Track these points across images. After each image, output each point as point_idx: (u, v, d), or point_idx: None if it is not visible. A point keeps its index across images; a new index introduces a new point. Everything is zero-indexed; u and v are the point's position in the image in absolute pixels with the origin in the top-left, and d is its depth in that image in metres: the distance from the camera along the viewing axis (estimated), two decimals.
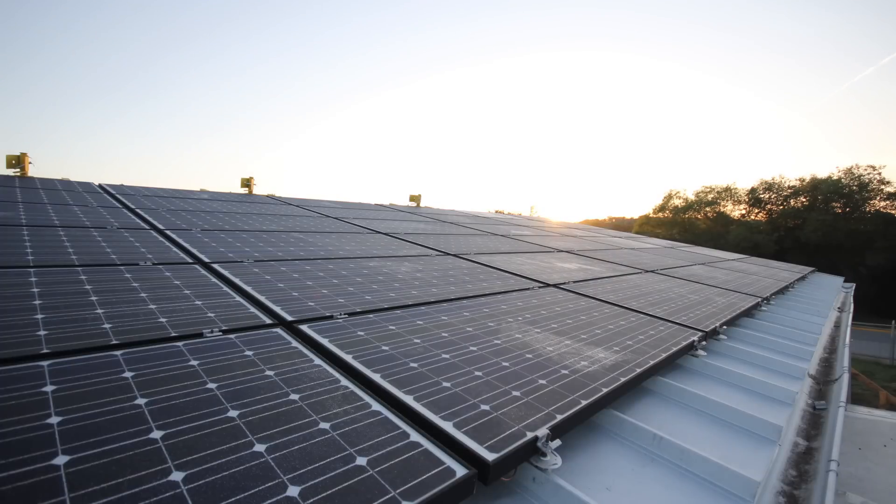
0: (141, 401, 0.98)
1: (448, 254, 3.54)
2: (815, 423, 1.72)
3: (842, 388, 1.99)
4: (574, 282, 3.07)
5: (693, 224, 35.96)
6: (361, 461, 0.88)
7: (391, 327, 1.66)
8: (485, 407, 1.17)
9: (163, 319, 1.44)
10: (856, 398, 7.92)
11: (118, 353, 1.18)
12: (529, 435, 1.07)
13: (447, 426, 1.05)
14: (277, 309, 1.69)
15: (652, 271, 4.13)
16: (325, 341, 1.45)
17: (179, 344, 1.28)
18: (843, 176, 30.82)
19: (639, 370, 1.58)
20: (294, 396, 1.08)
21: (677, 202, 38.64)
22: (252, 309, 1.65)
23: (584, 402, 1.27)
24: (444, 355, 1.47)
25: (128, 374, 1.07)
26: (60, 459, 0.77)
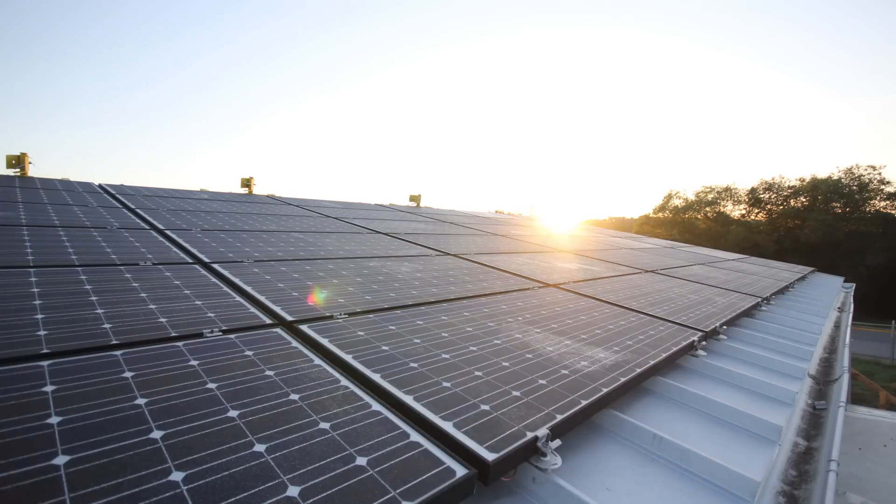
0: (141, 401, 0.98)
1: (448, 254, 3.54)
2: (815, 423, 1.72)
3: (842, 388, 1.99)
4: (574, 282, 3.07)
5: (693, 224, 35.97)
6: (361, 461, 0.88)
7: (391, 327, 1.66)
8: (485, 407, 1.17)
9: (163, 319, 1.44)
10: (856, 398, 7.92)
11: (118, 353, 1.18)
12: (529, 435, 1.07)
13: (447, 426, 1.05)
14: (277, 309, 1.69)
15: (652, 271, 4.13)
16: (325, 341, 1.45)
17: (179, 344, 1.28)
18: (843, 176, 30.84)
19: (639, 370, 1.58)
20: (294, 396, 1.08)
21: (677, 202, 38.67)
22: (252, 309, 1.65)
23: (584, 402, 1.27)
24: (444, 355, 1.47)
25: (128, 374, 1.07)
26: (60, 459, 0.77)
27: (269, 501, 0.75)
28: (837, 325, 3.80)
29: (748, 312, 3.11)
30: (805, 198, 32.69)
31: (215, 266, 2.18)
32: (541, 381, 1.37)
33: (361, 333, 1.56)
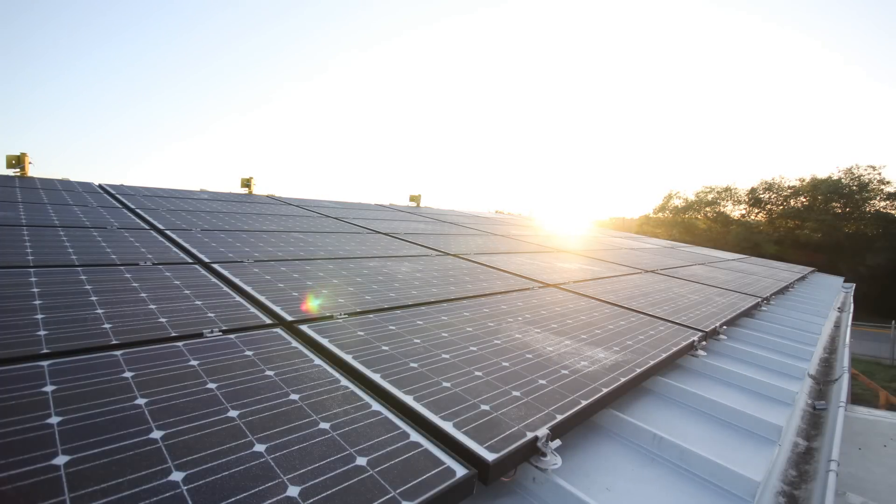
0: (141, 401, 0.98)
1: (448, 254, 3.54)
2: (815, 423, 1.72)
3: (842, 388, 1.99)
4: (574, 282, 3.07)
5: (693, 224, 35.97)
6: (361, 461, 0.88)
7: (391, 327, 1.66)
8: (485, 407, 1.17)
9: (163, 319, 1.44)
10: (856, 398, 7.92)
11: (118, 353, 1.18)
12: (529, 435, 1.07)
13: (447, 426, 1.05)
14: (277, 309, 1.69)
15: (652, 271, 4.13)
16: (325, 341, 1.45)
17: (179, 344, 1.28)
18: (843, 176, 30.84)
19: (639, 370, 1.58)
20: (294, 396, 1.08)
21: (677, 202, 38.70)
22: (252, 309, 1.65)
23: (584, 402, 1.27)
24: (444, 355, 1.47)
25: (128, 374, 1.07)
26: (60, 459, 0.77)
27: (269, 501, 0.75)
28: (837, 325, 3.81)
29: (748, 312, 3.11)
30: (805, 198, 32.69)
31: (215, 266, 2.18)
32: (541, 381, 1.37)
33: (361, 333, 1.56)
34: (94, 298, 1.53)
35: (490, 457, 0.96)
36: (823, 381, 2.21)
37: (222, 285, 1.89)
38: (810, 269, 7.61)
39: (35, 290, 1.54)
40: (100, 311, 1.44)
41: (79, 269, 1.84)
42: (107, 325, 1.33)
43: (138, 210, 3.45)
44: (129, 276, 1.83)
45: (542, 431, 1.09)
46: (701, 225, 35.91)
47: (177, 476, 0.77)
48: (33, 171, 4.36)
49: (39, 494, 0.70)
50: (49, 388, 0.97)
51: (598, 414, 1.39)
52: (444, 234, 4.79)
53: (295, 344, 1.39)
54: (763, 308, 3.52)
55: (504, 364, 1.47)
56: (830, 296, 5.12)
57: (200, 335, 1.36)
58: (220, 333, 1.39)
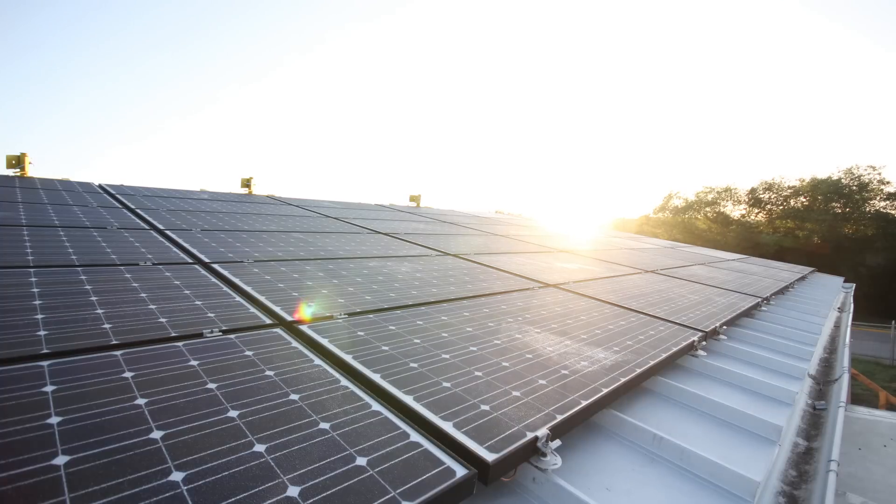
0: (141, 401, 0.98)
1: (448, 254, 3.54)
2: (815, 423, 1.72)
3: (842, 388, 1.99)
4: (574, 282, 3.07)
5: (693, 224, 35.97)
6: (361, 461, 0.88)
7: (391, 327, 1.66)
8: (485, 407, 1.17)
9: (163, 319, 1.44)
10: (856, 398, 7.92)
11: (118, 353, 1.18)
12: (529, 435, 1.07)
13: (447, 426, 1.05)
14: (277, 309, 1.69)
15: (652, 271, 4.13)
16: (325, 341, 1.45)
17: (179, 344, 1.28)
18: (843, 176, 30.85)
19: (639, 370, 1.58)
20: (294, 396, 1.08)
21: (677, 202, 38.72)
22: (252, 309, 1.65)
23: (584, 403, 1.27)
24: (444, 355, 1.47)
25: (128, 374, 1.07)
26: (60, 459, 0.77)
27: (269, 501, 0.75)
28: (837, 325, 3.81)
29: (748, 312, 3.11)
30: (805, 198, 32.69)
31: (215, 266, 2.18)
32: (541, 381, 1.37)
33: (361, 333, 1.56)
34: (94, 298, 1.54)
35: (490, 457, 0.96)
36: (823, 381, 2.22)
37: (222, 285, 1.89)
38: (810, 269, 7.61)
39: (35, 290, 1.54)
40: (100, 311, 1.44)
41: (79, 269, 1.84)
42: (107, 325, 1.33)
43: (138, 210, 3.45)
44: (129, 276, 1.84)
45: (542, 431, 1.09)
46: (701, 225, 35.90)
47: (177, 476, 0.77)
48: (33, 171, 4.36)
49: (39, 494, 0.70)
50: (49, 389, 0.97)
51: (598, 414, 1.39)
52: (444, 234, 4.79)
53: (295, 344, 1.39)
54: (763, 308, 3.52)
55: (504, 364, 1.47)
56: (830, 296, 5.12)
57: (200, 335, 1.36)
58: (220, 333, 1.39)
